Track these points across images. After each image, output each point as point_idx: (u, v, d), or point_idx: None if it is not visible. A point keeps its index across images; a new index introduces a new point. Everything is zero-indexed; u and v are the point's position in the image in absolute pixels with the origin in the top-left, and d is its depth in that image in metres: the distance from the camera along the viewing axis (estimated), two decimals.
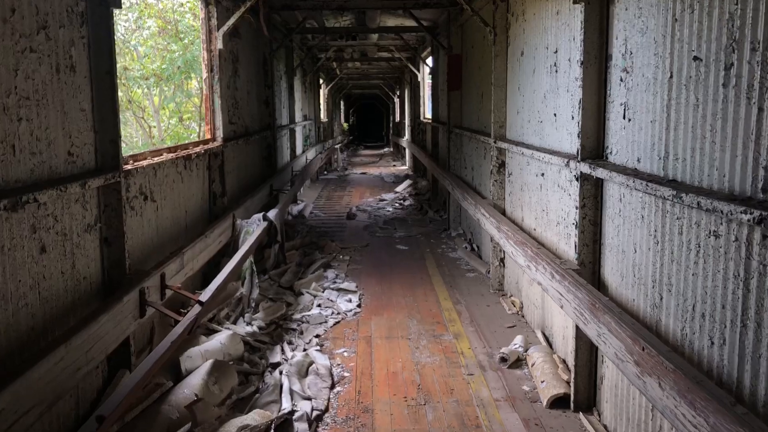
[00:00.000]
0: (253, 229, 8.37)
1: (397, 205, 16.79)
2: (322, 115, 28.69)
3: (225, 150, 8.99)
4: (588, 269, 5.45)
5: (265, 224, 8.43)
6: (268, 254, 9.36)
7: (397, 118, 38.18)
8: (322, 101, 28.16)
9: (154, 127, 19.62)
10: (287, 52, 16.55)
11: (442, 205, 15.51)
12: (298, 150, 18.52)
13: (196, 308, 5.27)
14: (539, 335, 7.14)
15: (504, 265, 8.99)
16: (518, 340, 6.97)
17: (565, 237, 6.24)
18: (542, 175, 7.04)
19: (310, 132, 22.05)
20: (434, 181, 17.10)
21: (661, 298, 4.25)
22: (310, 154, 20.15)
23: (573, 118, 5.98)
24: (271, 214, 8.84)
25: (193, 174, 7.90)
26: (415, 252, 11.66)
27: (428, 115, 22.15)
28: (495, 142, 8.80)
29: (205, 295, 5.49)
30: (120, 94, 16.83)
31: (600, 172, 4.98)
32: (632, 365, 3.87)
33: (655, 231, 4.32)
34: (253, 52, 12.00)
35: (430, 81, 21.21)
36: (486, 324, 7.81)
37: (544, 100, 6.96)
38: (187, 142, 8.50)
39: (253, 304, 7.75)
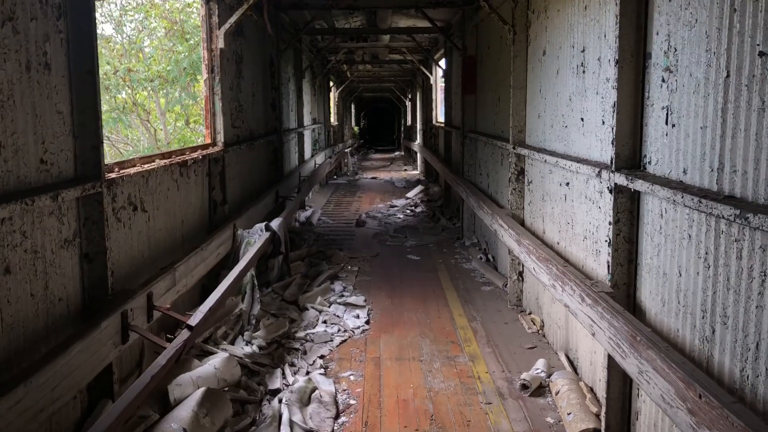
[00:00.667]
0: (254, 239, 7.85)
1: (408, 211, 16.24)
2: (332, 119, 28.20)
3: (226, 155, 8.48)
4: (622, 292, 4.88)
5: (267, 235, 7.90)
6: (273, 265, 8.83)
7: (409, 122, 37.64)
8: (332, 104, 27.69)
9: (161, 130, 19.18)
10: (295, 54, 16.06)
11: (455, 213, 14.95)
12: (307, 154, 18.02)
13: (184, 334, 4.73)
14: (563, 359, 6.56)
15: (523, 280, 8.42)
16: (540, 365, 6.39)
17: (593, 253, 5.67)
18: (567, 184, 6.48)
19: (319, 136, 21.55)
20: (447, 187, 16.55)
21: (714, 332, 3.68)
22: (319, 158, 19.65)
23: (603, 123, 5.41)
24: (274, 223, 8.32)
25: (191, 181, 7.40)
26: (427, 262, 11.11)
27: (441, 119, 21.61)
28: (514, 148, 8.25)
29: (195, 318, 4.96)
30: (124, 96, 16.44)
31: (639, 185, 4.41)
32: (685, 413, 3.30)
33: (706, 253, 3.75)
34: (259, 53, 11.50)
35: (443, 84, 20.70)
36: (504, 344, 7.24)
37: (570, 104, 6.40)
38: (183, 147, 7.98)
39: (253, 321, 7.23)
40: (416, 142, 29.14)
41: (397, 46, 20.28)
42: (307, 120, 18.22)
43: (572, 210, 6.34)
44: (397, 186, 22.45)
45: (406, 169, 29.76)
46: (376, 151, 46.79)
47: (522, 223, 8.31)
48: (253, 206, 9.33)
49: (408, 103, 37.61)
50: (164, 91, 16.57)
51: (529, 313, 8.11)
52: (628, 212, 4.83)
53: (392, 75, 31.35)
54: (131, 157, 5.76)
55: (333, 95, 28.94)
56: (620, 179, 4.70)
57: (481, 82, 11.82)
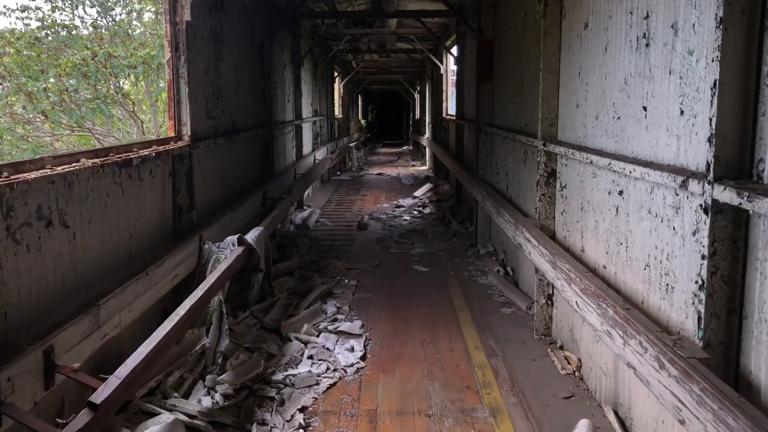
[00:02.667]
0: (225, 255, 6.40)
1: (415, 212, 14.76)
2: (337, 111, 26.73)
3: (195, 151, 7.03)
4: (718, 355, 3.40)
5: (239, 250, 6.44)
6: (253, 282, 7.37)
7: (418, 115, 36.12)
8: (336, 96, 26.20)
9: (149, 120, 17.76)
10: (293, 39, 14.59)
11: (468, 215, 13.46)
12: (306, 149, 16.55)
13: (83, 417, 3.27)
14: (611, 417, 5.09)
15: (552, 304, 6.95)
16: (583, 427, 4.92)
17: (662, 289, 4.20)
18: (620, 193, 4.99)
19: (321, 129, 20.09)
20: (458, 186, 15.05)
21: None
22: (320, 153, 18.18)
23: (682, 112, 3.92)
24: (251, 235, 6.86)
25: (144, 184, 5.95)
26: (437, 275, 9.63)
27: (451, 111, 20.10)
28: (543, 145, 6.75)
29: (104, 390, 3.48)
30: (103, 85, 15.02)
31: (761, 205, 2.92)
32: None
33: None
34: (246, 34, 10.03)
35: (455, 74, 19.22)
36: (533, 391, 5.77)
37: (625, 88, 4.90)
38: (132, 142, 6.51)
39: (219, 360, 5.78)
40: (425, 137, 27.63)
41: (404, 32, 18.76)
42: (306, 112, 16.76)
43: (627, 227, 4.86)
44: (404, 183, 20.95)
45: (414, 165, 28.26)
46: (384, 145, 45.30)
47: (552, 236, 6.82)
48: (230, 211, 7.87)
49: (417, 96, 36.09)
50: (148, 78, 15.15)
51: (561, 347, 6.64)
52: (730, 241, 3.34)
53: (400, 66, 29.80)
54: (41, 156, 4.31)
55: (337, 86, 27.44)
56: (723, 194, 3.22)
57: (500, 67, 10.31)
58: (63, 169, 4.23)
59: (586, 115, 5.86)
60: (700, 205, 3.45)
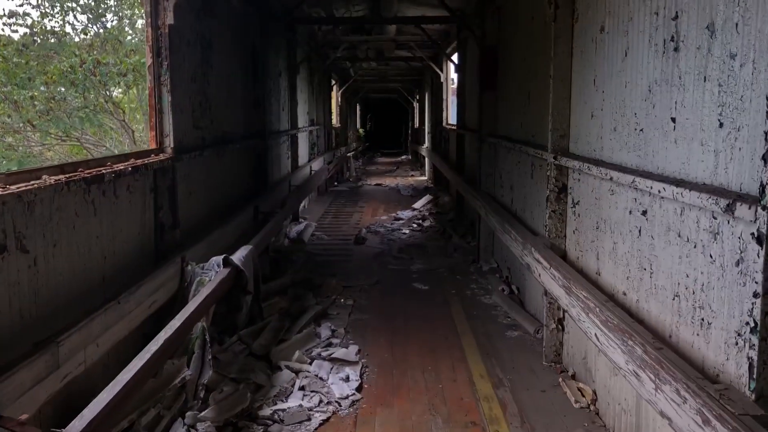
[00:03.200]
0: (209, 277, 5.90)
1: (414, 225, 14.27)
2: (334, 120, 26.28)
3: (179, 164, 6.54)
4: None
5: (225, 272, 5.93)
6: (242, 304, 6.85)
7: (417, 124, 35.68)
8: (333, 105, 25.75)
9: (142, 130, 17.29)
10: (289, 45, 14.13)
11: (469, 228, 12.97)
12: (302, 159, 16.08)
13: None
14: None
15: (563, 329, 6.45)
16: None
17: (696, 324, 3.70)
18: (643, 213, 4.50)
19: (317, 139, 19.61)
20: (459, 198, 14.57)
21: None
22: (316, 164, 17.69)
23: (722, 125, 3.44)
24: (238, 255, 6.35)
25: (121, 201, 5.46)
26: (437, 294, 9.12)
27: (452, 120, 19.66)
28: (554, 159, 6.27)
29: None
30: (93, 93, 14.53)
31: None
32: None
33: None
34: (237, 40, 9.56)
35: (455, 83, 18.85)
36: (544, 428, 5.26)
37: (649, 97, 4.42)
38: (107, 155, 6.02)
39: (202, 394, 5.27)
40: (424, 146, 27.18)
41: (404, 40, 18.34)
42: (302, 121, 16.29)
43: (651, 251, 4.37)
44: (403, 194, 20.47)
45: (413, 175, 27.79)
46: (382, 155, 44.83)
47: (564, 256, 6.33)
48: (218, 228, 7.37)
49: (416, 104, 35.67)
50: (142, 86, 14.68)
51: (573, 376, 6.13)
52: None
53: (399, 74, 29.37)
54: None
55: (335, 95, 27.01)
56: None
57: (504, 75, 9.85)
58: (18, 188, 3.73)
59: (602, 127, 5.37)
60: (752, 233, 2.96)
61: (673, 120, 4.06)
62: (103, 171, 4.76)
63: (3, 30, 16.05)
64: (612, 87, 5.13)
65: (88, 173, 4.54)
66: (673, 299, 4.04)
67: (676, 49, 4.04)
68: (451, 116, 20.12)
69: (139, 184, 5.85)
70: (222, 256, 6.08)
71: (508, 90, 9.56)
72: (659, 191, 3.99)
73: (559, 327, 6.48)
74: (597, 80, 5.49)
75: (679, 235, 3.96)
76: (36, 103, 13.35)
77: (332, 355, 6.49)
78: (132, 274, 5.52)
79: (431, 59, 19.99)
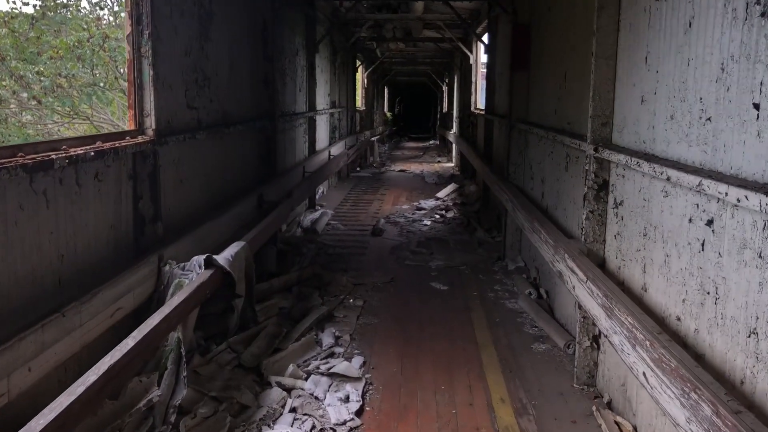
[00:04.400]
0: (190, 279, 5.12)
1: (437, 217, 13.38)
2: (359, 103, 25.41)
3: (162, 148, 5.76)
4: None
5: (207, 274, 5.14)
6: (234, 308, 6.08)
7: (445, 109, 34.66)
8: (358, 87, 24.86)
9: None
10: (307, 21, 13.27)
11: (495, 222, 12.07)
12: (320, 144, 15.26)
13: None
14: None
15: (598, 348, 5.57)
16: None
17: None
18: (708, 223, 3.60)
19: (339, 122, 18.78)
20: (485, 188, 13.65)
21: None
22: (336, 149, 16.86)
23: None
24: (226, 254, 5.54)
25: (86, 191, 4.69)
26: (458, 296, 8.27)
27: (481, 105, 18.67)
28: (595, 151, 5.35)
29: None
30: (103, 69, 13.83)
31: None
32: None
33: None
34: (244, 11, 8.74)
35: (485, 65, 17.84)
36: None
37: (722, 77, 3.50)
38: (66, 137, 5.22)
39: (173, 417, 4.51)
40: (452, 132, 26.20)
41: (432, 19, 17.36)
42: (321, 103, 15.45)
43: (718, 272, 3.47)
44: (428, 182, 19.56)
45: (439, 161, 26.84)
46: (410, 139, 43.88)
47: (601, 264, 5.44)
48: (210, 221, 6.58)
49: (445, 88, 34.64)
50: None
51: (608, 404, 5.26)
52: None
53: (428, 56, 28.32)
54: None
55: (360, 76, 26.11)
56: None
57: (537, 56, 8.90)
58: None
59: (655, 114, 4.45)
60: None
61: (756, 106, 3.14)
62: (53, 156, 3.98)
63: (15, 2, 15.45)
64: (669, 66, 4.21)
65: (30, 159, 3.76)
66: (748, 337, 3.16)
67: (763, 14, 3.11)
68: (480, 100, 19.13)
69: (111, 170, 5.08)
70: (204, 256, 5.28)
71: (541, 72, 8.61)
72: (737, 199, 3.08)
73: (594, 345, 5.60)
74: (650, 58, 4.56)
75: (760, 256, 3.06)
76: (42, 78, 12.69)
77: (332, 370, 5.69)
78: (102, 275, 4.77)
79: (460, 40, 18.98)
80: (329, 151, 15.51)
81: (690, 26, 3.91)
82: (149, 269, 5.04)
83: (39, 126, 15.92)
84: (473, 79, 18.76)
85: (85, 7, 15.42)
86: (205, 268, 5.18)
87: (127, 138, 5.22)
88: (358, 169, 22.09)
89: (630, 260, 4.90)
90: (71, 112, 13.57)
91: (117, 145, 4.88)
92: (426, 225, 12.61)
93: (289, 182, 10.44)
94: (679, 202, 3.99)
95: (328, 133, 16.77)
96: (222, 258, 5.37)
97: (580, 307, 5.49)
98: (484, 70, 19.94)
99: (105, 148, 4.66)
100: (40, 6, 14.55)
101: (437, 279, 8.99)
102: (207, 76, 7.29)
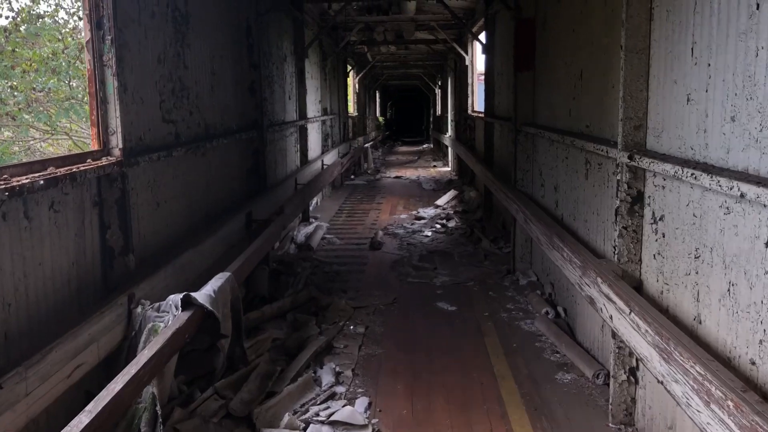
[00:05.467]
0: (166, 322, 4.40)
1: (438, 226, 12.68)
2: (351, 109, 24.73)
3: (132, 170, 5.06)
4: None
5: (185, 317, 4.42)
6: (220, 347, 5.35)
7: (439, 112, 34.02)
8: (350, 92, 24.18)
9: None
10: (295, 25, 12.58)
11: (501, 231, 11.39)
12: (313, 153, 14.56)
13: None
14: None
15: (636, 383, 4.88)
16: None
17: None
18: None
19: (332, 129, 18.08)
20: (487, 194, 12.97)
21: None
22: (329, 157, 16.15)
23: None
24: (206, 290, 4.81)
25: (38, 224, 3.99)
26: (468, 318, 7.57)
27: (478, 107, 18.02)
28: (629, 158, 4.66)
29: None
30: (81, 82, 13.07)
31: None
32: None
33: None
34: (225, 14, 8.04)
35: (482, 66, 17.20)
36: None
37: None
38: (19, 162, 4.46)
39: None
40: (447, 135, 25.54)
41: (425, 20, 16.72)
42: (312, 110, 14.75)
43: None
44: (425, 188, 18.87)
45: (435, 165, 26.17)
46: (403, 143, 43.29)
47: (638, 287, 4.75)
48: (191, 248, 5.85)
49: (438, 91, 34.00)
50: None
51: None
52: None
53: (420, 58, 27.68)
54: None
55: (352, 81, 25.43)
56: None
57: (544, 53, 8.22)
58: None
59: (707, 115, 3.77)
60: None
61: None
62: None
63: None
64: (728, 57, 3.52)
65: None
66: None
67: None
68: (477, 103, 18.47)
69: (71, 199, 4.37)
70: (182, 295, 4.56)
71: (549, 70, 7.94)
72: None
73: (631, 379, 4.91)
74: (697, 49, 3.87)
75: None
76: (16, 94, 11.94)
77: (333, 417, 4.98)
78: (64, 323, 4.06)
79: (455, 41, 18.32)
80: (322, 161, 14.80)
81: (758, 8, 3.22)
82: (117, 313, 4.32)
83: (21, 143, 15.18)
84: (469, 81, 18.11)
85: (62, 17, 14.64)
86: (182, 310, 4.46)
87: (89, 161, 4.51)
88: (352, 176, 21.39)
89: (676, 285, 4.21)
90: (50, 128, 12.81)
91: (75, 170, 4.16)
92: (427, 236, 11.91)
93: (280, 196, 9.73)
94: (749, 222, 3.30)
95: (320, 142, 16.08)
96: (203, 295, 4.65)
97: (614, 335, 4.81)
98: (481, 70, 19.32)
99: (58, 174, 3.94)
100: (12, 17, 13.82)
101: (444, 298, 8.29)
102: (185, 85, 6.59)
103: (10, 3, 13.90)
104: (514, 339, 6.87)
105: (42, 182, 3.74)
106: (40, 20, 14.02)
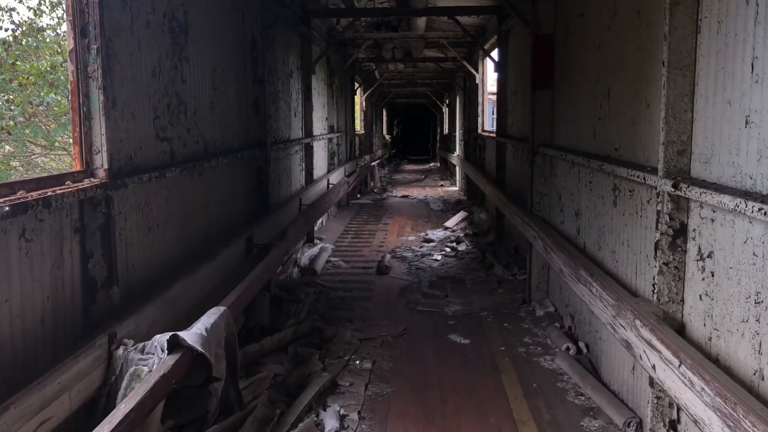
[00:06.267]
0: (150, 366, 3.90)
1: (447, 250, 12.17)
2: (358, 126, 24.33)
3: (119, 193, 4.60)
4: None
5: (172, 360, 3.92)
6: (213, 391, 4.84)
7: (446, 131, 33.62)
8: (357, 110, 23.79)
9: None
10: (303, 41, 12.19)
11: (514, 256, 10.88)
12: (318, 172, 14.10)
13: None
14: None
15: None
16: None
17: None
18: None
19: (338, 147, 17.65)
20: (498, 216, 12.49)
21: None
22: (335, 176, 15.69)
23: None
24: (196, 331, 4.29)
25: (7, 255, 3.52)
26: (482, 353, 7.04)
27: (488, 126, 17.59)
28: (673, 187, 4.16)
29: None
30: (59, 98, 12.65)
31: None
32: None
33: None
34: (229, 27, 7.62)
35: (494, 84, 16.87)
36: None
37: None
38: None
39: None
40: (455, 154, 25.10)
41: (434, 36, 16.31)
42: (319, 128, 14.32)
43: None
44: (433, 208, 18.38)
45: (442, 185, 25.70)
46: (409, 162, 42.92)
47: (680, 331, 4.24)
48: (185, 277, 5.37)
49: (445, 110, 33.64)
50: None
51: None
52: None
53: (427, 77, 27.32)
54: None
55: (359, 99, 25.06)
56: None
57: (565, 70, 7.76)
58: None
59: None
60: None
61: None
62: None
63: None
64: None
65: None
66: None
67: None
68: (487, 122, 18.03)
69: (47, 225, 3.90)
70: (169, 335, 4.06)
71: (571, 89, 7.48)
72: None
73: None
74: (759, 65, 3.40)
75: None
76: (12, 108, 11.54)
77: None
78: (31, 369, 3.57)
79: (465, 58, 17.91)
80: (328, 180, 14.35)
81: None
82: (95, 356, 3.83)
83: (21, 157, 14.77)
84: (479, 100, 17.67)
85: (64, 30, 14.28)
86: (169, 352, 3.95)
87: (68, 183, 4.04)
88: (358, 195, 20.92)
89: (729, 332, 3.70)
90: (47, 144, 12.40)
91: (50, 193, 3.69)
92: (436, 260, 11.40)
93: (283, 218, 9.25)
94: None
95: (326, 160, 15.64)
96: (193, 334, 4.14)
97: (652, 383, 4.30)
98: (491, 90, 18.89)
99: (29, 199, 3.47)
100: (12, 30, 13.47)
101: (456, 329, 7.77)
102: (183, 100, 6.14)
103: (11, 15, 13.59)
104: (533, 377, 6.34)
105: (7, 208, 3.27)
106: (41, 33, 13.70)
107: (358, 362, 6.66)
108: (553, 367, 6.57)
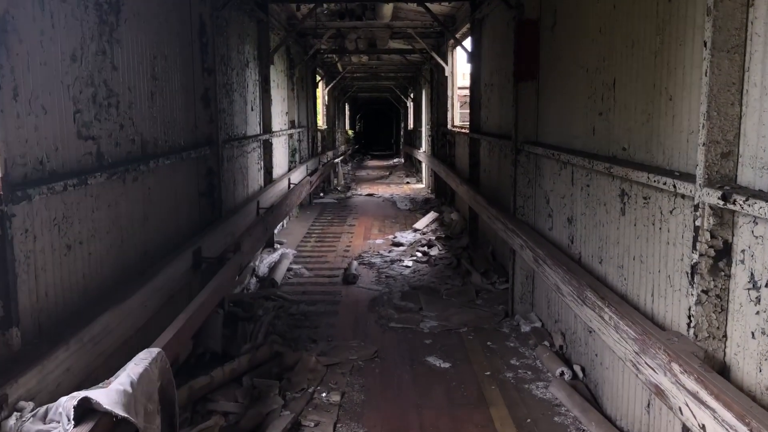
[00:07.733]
0: None
1: (419, 255, 11.30)
2: (320, 121, 23.32)
3: (18, 207, 3.62)
4: None
5: (85, 431, 2.98)
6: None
7: (411, 125, 32.78)
8: (319, 104, 22.78)
9: None
10: (260, 28, 11.18)
11: (491, 262, 10.07)
12: (279, 170, 13.11)
13: None
14: None
15: None
16: None
17: None
18: None
19: (300, 143, 16.66)
20: (472, 218, 11.69)
21: None
22: (297, 174, 14.71)
23: None
24: (116, 387, 3.29)
25: None
26: (466, 380, 6.19)
27: (459, 121, 16.80)
28: (720, 198, 3.35)
29: None
30: None
31: None
32: None
33: None
34: (171, 8, 6.62)
35: (465, 76, 16.11)
36: None
37: None
38: None
39: None
40: (421, 150, 24.30)
41: (401, 27, 15.42)
42: (278, 123, 13.32)
43: None
44: (400, 207, 17.53)
45: (408, 182, 24.86)
46: (372, 157, 42.02)
47: (721, 370, 3.45)
48: (111, 308, 4.38)
49: (410, 104, 32.76)
50: None
51: None
52: None
53: (392, 70, 26.40)
54: None
55: (321, 93, 24.05)
56: None
57: (554, 59, 6.95)
58: None
59: None
60: None
61: None
62: None
63: None
64: None
65: None
66: None
67: None
68: (457, 116, 17.23)
69: None
70: (78, 397, 3.09)
71: (561, 79, 6.67)
72: None
73: None
74: None
75: None
76: None
77: None
78: None
79: (434, 48, 17.06)
80: (289, 179, 13.36)
81: None
82: None
83: None
84: (449, 93, 16.84)
85: None
86: (77, 423, 2.98)
87: None
88: (321, 194, 19.96)
89: None
90: None
91: None
92: (407, 266, 10.54)
93: (238, 225, 8.27)
94: None
95: (287, 158, 14.65)
96: (112, 393, 3.18)
97: (686, 430, 3.50)
98: (462, 84, 18.10)
99: None
100: None
101: (434, 350, 6.91)
102: (114, 91, 5.15)
103: None
104: (526, 410, 5.53)
105: None
106: None
107: (324, 395, 5.76)
108: (547, 397, 5.76)
